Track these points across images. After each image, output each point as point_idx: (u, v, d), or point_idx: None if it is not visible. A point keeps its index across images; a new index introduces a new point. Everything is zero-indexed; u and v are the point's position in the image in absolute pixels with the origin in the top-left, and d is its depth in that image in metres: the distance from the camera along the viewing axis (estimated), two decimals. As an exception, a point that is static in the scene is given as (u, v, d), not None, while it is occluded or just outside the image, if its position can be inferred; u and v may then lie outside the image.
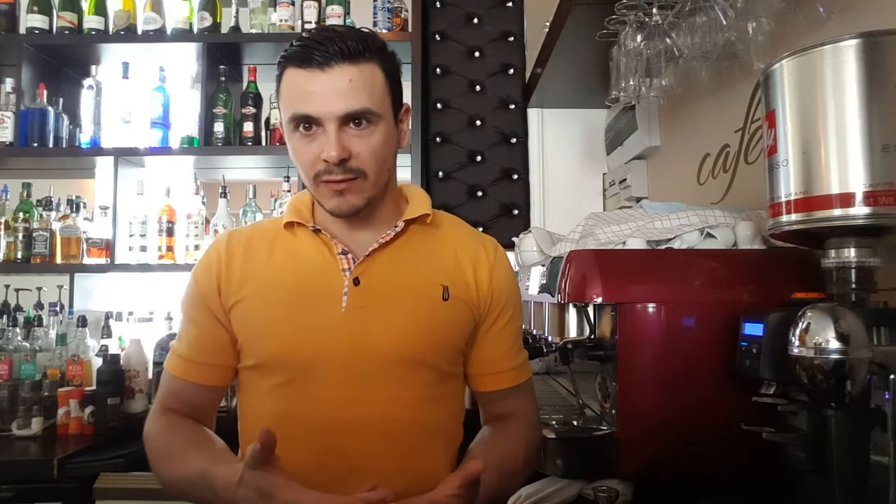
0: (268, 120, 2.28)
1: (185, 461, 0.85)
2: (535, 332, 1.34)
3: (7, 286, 2.49)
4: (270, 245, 0.94)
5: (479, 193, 2.37)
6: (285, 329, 0.88)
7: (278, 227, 0.95)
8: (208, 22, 2.25)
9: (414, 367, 0.89)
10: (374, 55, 0.86)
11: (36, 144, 2.18)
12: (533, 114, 2.43)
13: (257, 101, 2.27)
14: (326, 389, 0.87)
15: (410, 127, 2.25)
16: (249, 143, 2.24)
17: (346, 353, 0.87)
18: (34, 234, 2.17)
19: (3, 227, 2.18)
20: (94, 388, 1.89)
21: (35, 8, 2.22)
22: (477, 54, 2.43)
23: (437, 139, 2.37)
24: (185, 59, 2.33)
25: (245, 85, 2.29)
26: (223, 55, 2.29)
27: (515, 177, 2.38)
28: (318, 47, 0.83)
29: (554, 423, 1.11)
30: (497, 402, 0.99)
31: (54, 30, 2.25)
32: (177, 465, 0.86)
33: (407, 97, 2.49)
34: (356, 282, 0.89)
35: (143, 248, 2.17)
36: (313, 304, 0.89)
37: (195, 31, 2.26)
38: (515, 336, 1.01)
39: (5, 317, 2.24)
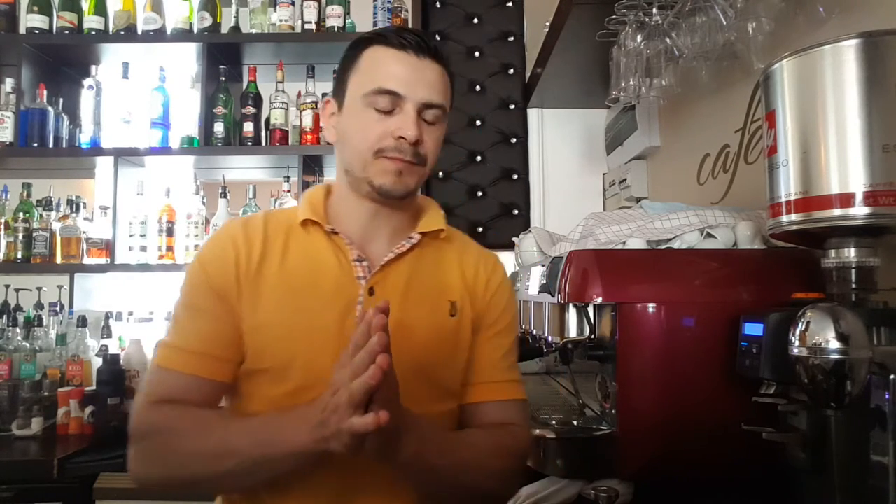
0: (268, 120, 2.28)
1: (209, 437, 0.79)
2: (535, 332, 1.34)
3: (7, 286, 2.49)
4: (285, 242, 0.90)
5: (479, 193, 2.37)
6: (298, 336, 0.85)
7: (292, 222, 0.92)
8: (208, 22, 2.25)
9: (421, 382, 0.88)
10: (449, 66, 0.92)
11: (36, 144, 2.18)
12: (533, 114, 2.44)
13: (257, 101, 2.27)
14: None
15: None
16: (249, 143, 2.24)
17: None
18: (34, 234, 2.17)
19: (3, 227, 2.18)
20: (94, 388, 1.90)
21: (35, 8, 2.22)
22: (477, 54, 2.43)
23: (437, 139, 2.37)
24: (185, 59, 2.33)
25: (245, 85, 2.29)
26: (223, 55, 2.29)
27: (515, 177, 2.38)
28: (412, 37, 0.87)
29: (554, 423, 1.10)
30: (482, 415, 0.94)
31: (54, 30, 2.25)
32: (198, 442, 0.79)
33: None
34: (371, 291, 0.88)
35: (143, 248, 2.17)
36: (329, 310, 0.87)
37: (195, 31, 2.26)
38: (508, 350, 0.98)
39: (5, 317, 2.24)
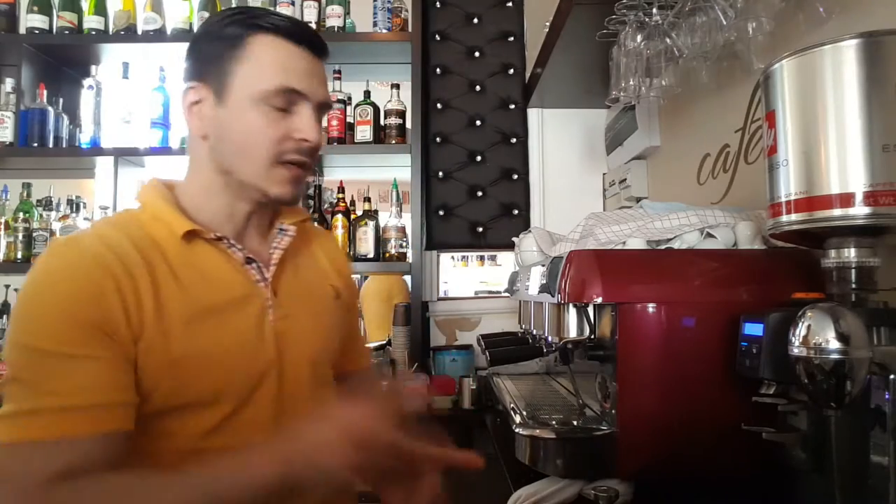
0: (268, 120, 2.28)
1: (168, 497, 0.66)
2: (535, 332, 1.34)
3: (7, 286, 2.49)
4: (167, 261, 0.77)
5: (479, 193, 2.37)
6: (226, 358, 0.78)
7: (156, 234, 0.79)
8: (208, 22, 2.25)
9: (326, 370, 0.93)
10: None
11: (36, 144, 2.18)
12: (533, 114, 2.43)
13: (257, 101, 2.27)
14: (262, 411, 0.81)
15: (410, 126, 2.27)
16: (249, 143, 2.24)
17: (284, 369, 0.84)
18: (34, 234, 2.17)
19: (3, 227, 2.19)
20: (94, 388, 1.89)
21: (35, 8, 2.22)
22: (477, 54, 2.43)
23: (437, 139, 2.37)
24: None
25: (245, 85, 2.29)
26: (223, 55, 2.28)
27: (515, 177, 2.38)
28: (307, 31, 0.83)
29: (554, 423, 1.10)
30: (363, 379, 1.07)
31: (54, 30, 2.25)
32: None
33: (407, 97, 2.48)
34: (275, 293, 0.86)
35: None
36: (245, 324, 0.81)
37: (195, 31, 2.26)
38: (358, 321, 1.11)
39: (5, 317, 2.24)
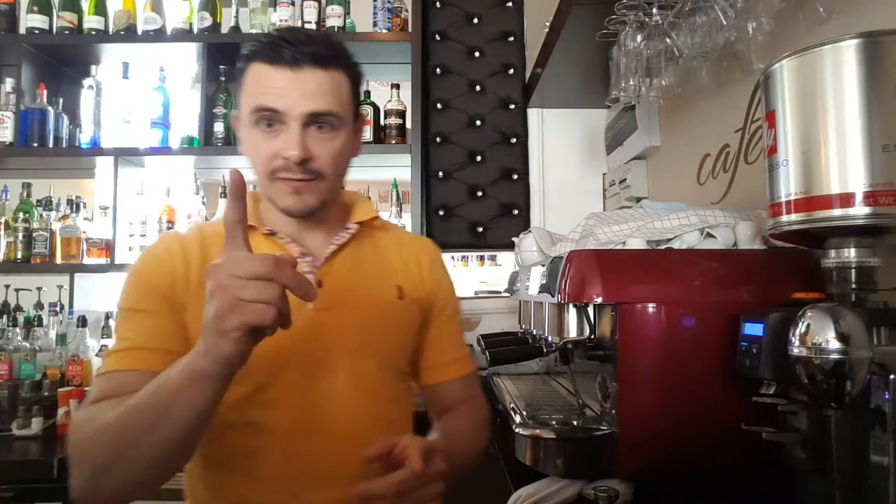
0: (268, 120, 2.28)
1: (121, 406, 0.73)
2: (535, 332, 1.34)
3: (7, 286, 2.49)
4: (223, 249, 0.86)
5: (479, 193, 2.37)
6: None
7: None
8: (208, 22, 2.25)
9: (377, 367, 0.92)
10: (343, 63, 0.88)
11: (36, 144, 2.18)
12: (533, 114, 2.43)
13: (257, 101, 2.27)
14: (293, 394, 0.86)
15: (410, 126, 2.27)
16: (249, 143, 2.24)
17: (314, 356, 0.87)
18: (34, 234, 2.17)
19: (3, 227, 2.19)
20: (94, 388, 1.89)
21: (35, 8, 2.22)
22: (477, 54, 2.43)
23: (437, 139, 2.37)
24: (185, 59, 2.33)
25: (245, 85, 2.29)
26: (223, 55, 2.28)
27: (515, 177, 2.38)
28: (288, 47, 0.84)
29: (554, 423, 1.10)
30: (449, 394, 1.04)
31: (54, 30, 2.25)
32: (111, 414, 0.73)
33: (406, 97, 2.48)
34: (319, 284, 0.90)
35: (143, 249, 2.17)
36: None
37: (195, 31, 2.26)
38: (457, 329, 1.08)
39: (5, 317, 2.24)
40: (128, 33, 2.26)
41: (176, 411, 0.69)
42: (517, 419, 1.12)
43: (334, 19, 2.24)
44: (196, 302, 0.83)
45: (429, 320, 1.03)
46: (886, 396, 0.65)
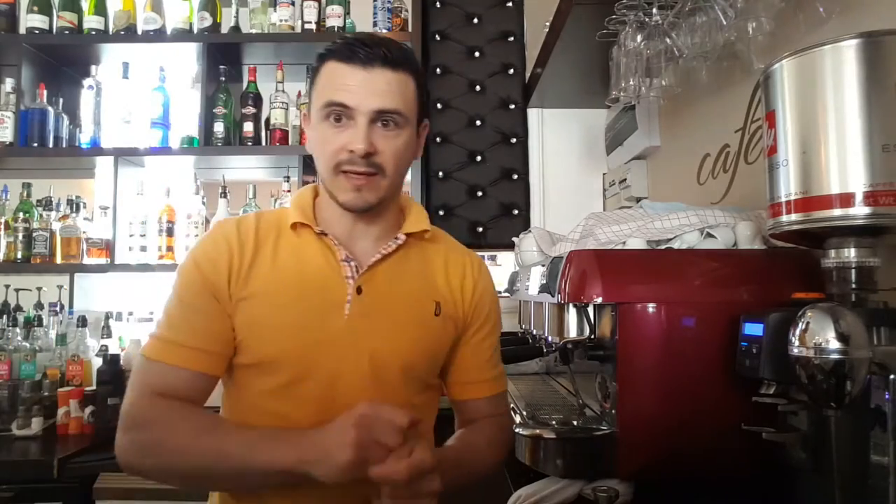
0: (268, 120, 2.28)
1: (205, 438, 0.83)
2: (535, 332, 1.34)
3: (7, 286, 2.49)
4: (276, 242, 0.94)
5: (479, 193, 2.37)
6: (289, 332, 0.89)
7: (281, 223, 0.96)
8: (208, 22, 2.25)
9: (405, 377, 0.94)
10: (411, 68, 0.92)
11: (36, 144, 2.18)
12: (533, 114, 2.43)
13: (257, 101, 2.27)
14: (323, 393, 0.89)
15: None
16: (249, 143, 2.24)
17: (345, 359, 0.90)
18: (34, 234, 2.17)
19: (3, 227, 2.19)
20: (94, 388, 1.90)
21: (35, 8, 2.22)
22: (477, 54, 2.43)
23: (437, 139, 2.38)
24: (185, 59, 2.33)
25: (245, 85, 2.29)
26: (223, 55, 2.29)
27: (515, 177, 2.38)
28: (363, 48, 0.88)
29: (554, 423, 1.10)
30: (473, 410, 1.04)
31: (54, 30, 2.25)
32: (193, 441, 0.82)
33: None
34: (359, 290, 0.92)
35: (143, 248, 2.17)
36: (317, 309, 0.90)
37: (195, 31, 2.26)
38: (494, 349, 1.06)
39: (5, 317, 2.24)
40: (128, 33, 2.26)
41: (255, 480, 0.82)
42: (517, 419, 1.12)
43: (334, 19, 2.23)
44: (242, 291, 0.89)
45: (464, 338, 1.02)
46: (886, 396, 0.65)
